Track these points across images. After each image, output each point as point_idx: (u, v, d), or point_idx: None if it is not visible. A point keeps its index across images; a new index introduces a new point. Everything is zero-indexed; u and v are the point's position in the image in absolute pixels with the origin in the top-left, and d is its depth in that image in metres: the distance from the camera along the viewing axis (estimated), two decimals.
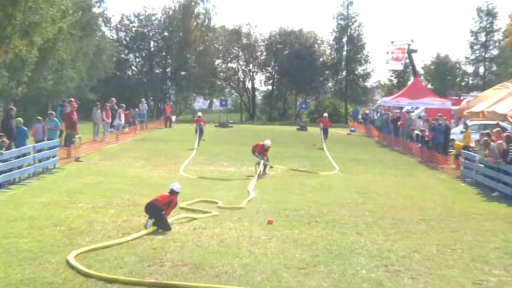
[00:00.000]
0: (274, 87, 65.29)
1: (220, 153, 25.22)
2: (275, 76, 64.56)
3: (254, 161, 19.68)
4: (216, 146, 28.27)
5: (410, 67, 56.45)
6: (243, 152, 20.69)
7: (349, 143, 33.44)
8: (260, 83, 66.68)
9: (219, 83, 66.76)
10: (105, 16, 57.81)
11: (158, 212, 10.91)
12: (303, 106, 50.31)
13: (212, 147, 27.78)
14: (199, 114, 33.69)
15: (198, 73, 60.08)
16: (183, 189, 12.32)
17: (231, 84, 66.93)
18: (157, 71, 62.89)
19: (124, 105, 33.29)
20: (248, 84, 66.00)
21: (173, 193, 11.34)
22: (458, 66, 62.77)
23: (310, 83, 61.91)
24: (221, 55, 64.04)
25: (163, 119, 44.49)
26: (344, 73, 62.52)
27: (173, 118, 46.57)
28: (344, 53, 62.26)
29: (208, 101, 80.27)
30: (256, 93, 67.80)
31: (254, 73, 64.96)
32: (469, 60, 60.88)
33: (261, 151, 19.31)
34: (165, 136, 33.89)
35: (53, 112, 22.36)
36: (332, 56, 63.31)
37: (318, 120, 35.89)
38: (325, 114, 36.09)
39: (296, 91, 64.32)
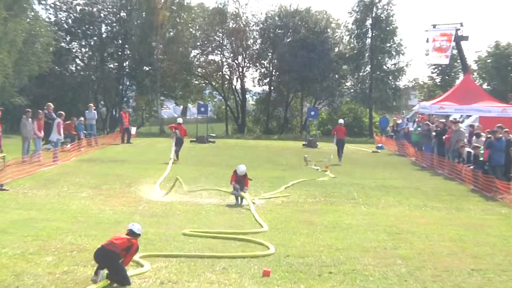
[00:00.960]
0: (272, 88, 65.44)
1: (197, 178, 25.23)
2: (273, 73, 64.77)
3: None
4: (192, 169, 28.27)
5: (459, 61, 56.99)
6: (229, 177, 20.77)
7: (375, 165, 33.53)
8: (253, 82, 66.86)
9: (196, 82, 66.85)
10: None
11: (114, 260, 10.90)
12: (312, 113, 50.46)
13: (187, 169, 27.79)
14: (179, 120, 34.14)
15: (167, 68, 60.21)
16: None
17: (213, 83, 67.08)
18: (111, 65, 62.95)
19: (63, 112, 33.16)
20: (237, 84, 66.23)
21: (132, 235, 11.35)
22: None
23: (321, 83, 62.06)
24: (199, 44, 64.20)
25: (118, 132, 44.48)
26: (368, 68, 62.75)
27: (133, 130, 46.59)
28: (368, 41, 62.53)
29: (181, 107, 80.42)
30: (247, 96, 67.99)
31: (245, 69, 65.21)
32: None
33: (237, 180, 20.02)
34: (122, 155, 33.86)
35: None
36: (352, 45, 63.57)
37: (333, 131, 36.19)
38: (341, 121, 36.63)
39: (302, 94, 64.51)
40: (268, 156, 36.40)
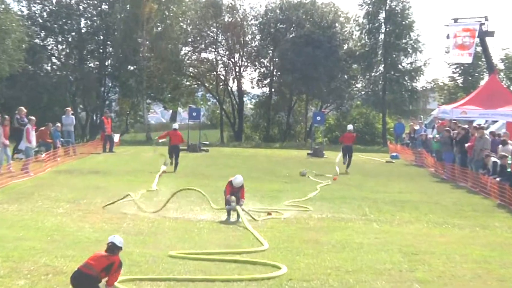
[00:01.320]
0: (273, 90, 65.46)
1: (188, 191, 25.19)
2: (274, 73, 64.78)
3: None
4: (182, 181, 28.26)
5: (483, 59, 57.00)
6: (223, 190, 20.77)
7: (389, 176, 33.56)
8: (252, 83, 66.83)
9: (188, 83, 66.86)
10: None
11: (92, 284, 10.89)
12: (318, 119, 50.46)
13: (177, 182, 27.79)
14: (175, 126, 34.29)
15: (154, 67, 60.18)
16: None
17: (206, 84, 67.08)
18: (91, 64, 62.96)
19: (33, 117, 32.49)
20: (233, 85, 66.22)
21: (113, 250, 11.30)
22: None
23: (328, 84, 62.02)
24: (190, 40, 64.22)
25: (99, 139, 44.47)
26: (381, 67, 62.76)
27: (116, 137, 46.57)
28: (381, 37, 62.58)
29: (171, 111, 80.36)
30: (245, 99, 67.98)
31: (242, 68, 65.22)
32: None
33: (233, 191, 19.95)
34: (103, 166, 33.85)
35: None
36: (363, 41, 63.62)
37: (340, 139, 37.13)
38: (350, 127, 37.04)
39: (307, 96, 64.49)
40: (268, 167, 36.39)
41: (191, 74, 66.16)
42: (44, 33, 60.92)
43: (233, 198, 19.89)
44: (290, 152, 49.02)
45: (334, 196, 25.77)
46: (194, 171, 32.73)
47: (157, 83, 61.63)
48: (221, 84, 65.78)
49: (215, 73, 65.46)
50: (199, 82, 66.99)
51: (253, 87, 67.34)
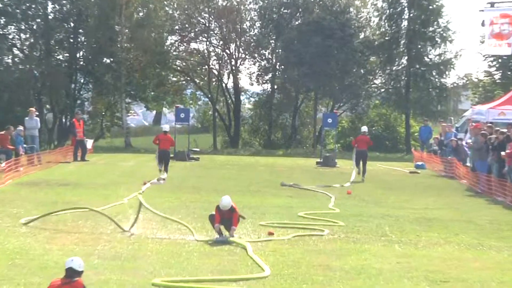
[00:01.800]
0: (276, 87, 65.51)
1: (176, 208, 25.21)
2: (277, 67, 64.83)
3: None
4: (169, 195, 28.30)
5: None
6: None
7: (413, 190, 33.62)
8: (251, 79, 67.05)
9: (174, 78, 66.93)
10: None
11: None
12: (329, 121, 50.56)
13: (162, 196, 27.83)
14: (166, 128, 34.48)
15: (134, 60, 60.23)
16: None
17: (197, 80, 67.13)
18: (60, 57, 63.02)
19: None
20: (228, 82, 66.37)
21: (72, 275, 11.31)
22: None
23: (341, 80, 62.13)
24: (177, 28, 64.32)
25: (70, 145, 44.48)
26: (404, 60, 62.88)
27: (89, 143, 46.61)
28: (405, 24, 62.72)
29: (154, 112, 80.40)
30: (242, 98, 68.05)
31: (239, 61, 65.30)
32: None
33: (222, 217, 19.72)
34: (74, 177, 33.87)
35: None
36: (383, 29, 63.72)
37: (353, 142, 37.36)
38: (364, 128, 37.18)
39: (316, 94, 64.55)
40: (270, 179, 36.38)
41: (179, 68, 66.27)
42: (4, 19, 60.93)
43: (221, 232, 19.73)
44: (295, 160, 49.06)
45: (348, 213, 25.76)
46: (182, 184, 32.73)
47: (138, 78, 61.72)
48: (214, 80, 65.93)
49: (206, 67, 65.62)
50: (188, 78, 67.11)
51: (252, 84, 67.62)
